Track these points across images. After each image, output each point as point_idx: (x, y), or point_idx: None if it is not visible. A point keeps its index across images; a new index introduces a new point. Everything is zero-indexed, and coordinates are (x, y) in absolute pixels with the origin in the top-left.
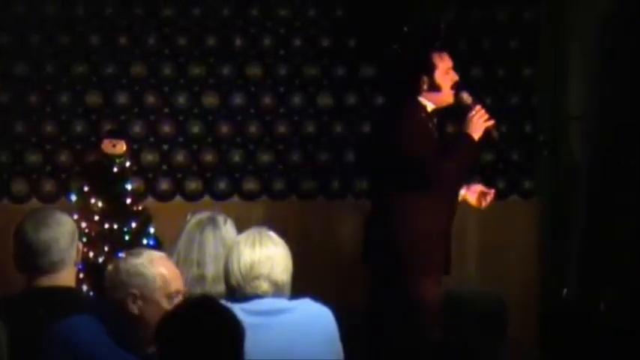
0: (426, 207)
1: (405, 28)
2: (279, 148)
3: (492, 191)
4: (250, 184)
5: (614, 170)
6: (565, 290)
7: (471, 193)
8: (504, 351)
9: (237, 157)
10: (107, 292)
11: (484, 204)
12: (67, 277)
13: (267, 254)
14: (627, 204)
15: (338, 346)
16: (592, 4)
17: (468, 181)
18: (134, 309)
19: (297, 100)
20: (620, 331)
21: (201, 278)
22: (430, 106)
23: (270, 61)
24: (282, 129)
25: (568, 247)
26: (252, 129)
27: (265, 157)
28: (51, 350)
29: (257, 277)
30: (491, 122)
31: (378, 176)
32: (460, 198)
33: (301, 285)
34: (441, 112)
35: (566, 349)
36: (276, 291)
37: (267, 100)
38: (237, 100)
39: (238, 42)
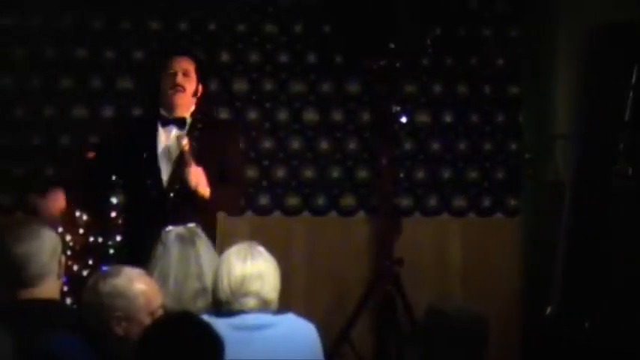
0: None
1: (392, 44)
2: (264, 164)
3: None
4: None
5: (599, 189)
6: (549, 309)
7: None
8: None
9: None
10: (88, 314)
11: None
12: (49, 289)
13: (258, 270)
14: (612, 223)
15: None
16: (577, 19)
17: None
18: (119, 330)
19: (282, 115)
20: (604, 350)
21: (204, 291)
22: (161, 112)
23: (256, 76)
24: (267, 144)
25: (552, 265)
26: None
27: (250, 173)
28: None
29: (246, 294)
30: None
31: None
32: None
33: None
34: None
35: None
36: (264, 308)
37: (252, 116)
38: (224, 115)
39: (225, 57)
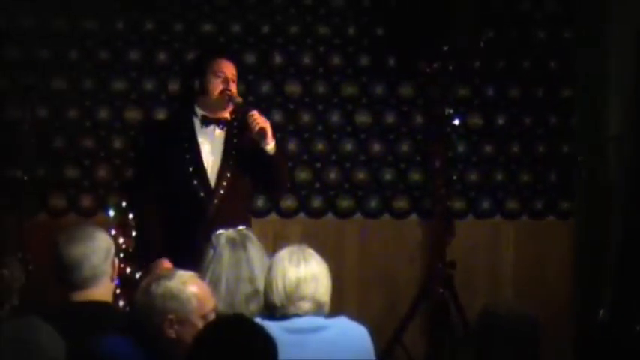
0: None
1: (444, 47)
2: (317, 166)
3: None
4: (288, 202)
5: None
6: (602, 311)
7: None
8: None
9: None
10: (140, 316)
11: None
12: (101, 291)
13: (312, 273)
14: None
15: None
16: (630, 20)
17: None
18: (171, 333)
19: (335, 118)
20: None
21: (256, 294)
22: (200, 112)
23: (308, 78)
24: (319, 146)
25: (604, 268)
26: (292, 146)
27: (303, 175)
28: None
29: (302, 298)
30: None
31: None
32: None
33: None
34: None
35: None
36: (318, 310)
37: (306, 118)
38: (277, 117)
39: (278, 59)
